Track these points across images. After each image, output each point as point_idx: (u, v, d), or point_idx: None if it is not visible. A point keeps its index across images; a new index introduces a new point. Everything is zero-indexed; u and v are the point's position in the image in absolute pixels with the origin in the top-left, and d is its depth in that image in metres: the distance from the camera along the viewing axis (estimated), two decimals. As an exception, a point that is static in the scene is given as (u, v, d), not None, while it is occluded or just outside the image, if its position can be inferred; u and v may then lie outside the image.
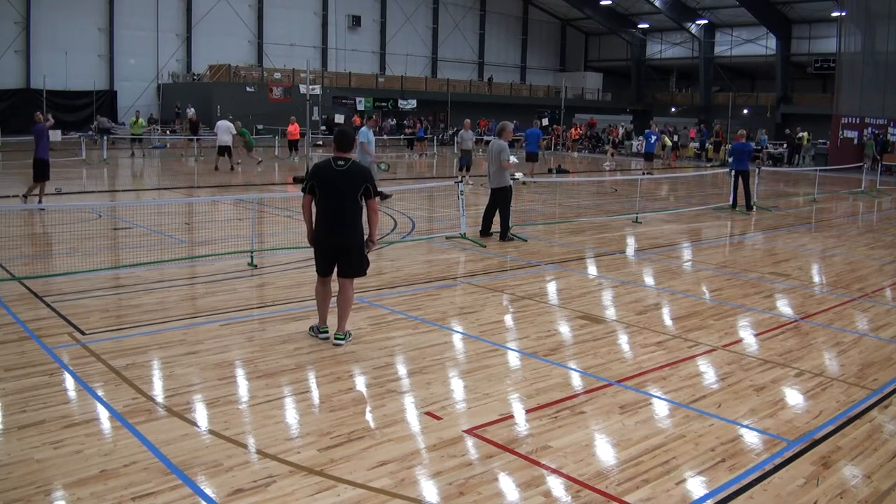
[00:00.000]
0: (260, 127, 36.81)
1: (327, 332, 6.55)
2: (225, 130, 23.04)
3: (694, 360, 6.38)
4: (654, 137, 26.46)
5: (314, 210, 6.45)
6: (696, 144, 37.86)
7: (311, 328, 6.70)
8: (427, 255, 10.71)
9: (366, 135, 15.24)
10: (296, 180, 19.44)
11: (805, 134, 36.16)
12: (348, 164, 6.33)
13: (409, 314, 7.50)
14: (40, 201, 13.43)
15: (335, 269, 6.48)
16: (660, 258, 11.06)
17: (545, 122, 40.77)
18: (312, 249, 6.57)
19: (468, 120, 22.80)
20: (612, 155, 33.35)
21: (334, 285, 6.62)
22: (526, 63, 61.01)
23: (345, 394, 5.38)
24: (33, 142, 13.88)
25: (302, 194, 6.48)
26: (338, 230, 6.31)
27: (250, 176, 21.76)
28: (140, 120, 31.48)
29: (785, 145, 36.46)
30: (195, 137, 31.02)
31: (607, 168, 29.91)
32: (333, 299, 6.69)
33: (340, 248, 6.35)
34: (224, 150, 23.07)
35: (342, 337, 6.47)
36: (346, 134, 6.55)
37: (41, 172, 13.68)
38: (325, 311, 6.61)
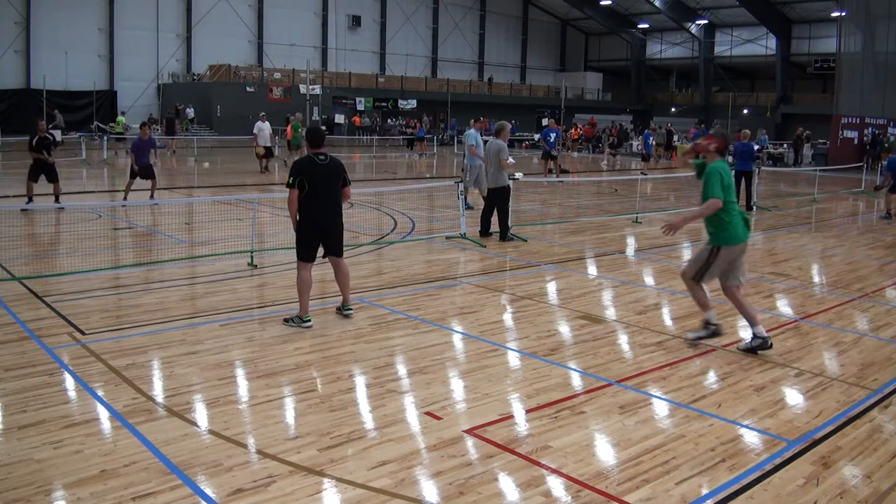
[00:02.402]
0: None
1: (310, 320, 6.89)
2: (266, 131, 23.00)
3: (694, 360, 6.37)
4: (652, 138, 26.64)
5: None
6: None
7: (293, 319, 6.92)
8: (427, 255, 10.71)
9: (474, 137, 15.04)
10: None
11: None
12: (328, 158, 6.93)
13: (409, 314, 7.50)
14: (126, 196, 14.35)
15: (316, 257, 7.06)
16: (660, 258, 11.06)
17: (545, 122, 40.83)
18: (296, 241, 7.02)
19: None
20: (614, 154, 33.39)
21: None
22: (526, 63, 61.00)
23: (345, 394, 5.38)
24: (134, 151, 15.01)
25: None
26: (330, 218, 6.96)
27: (249, 176, 21.73)
28: (120, 118, 31.54)
29: (785, 145, 36.50)
30: (173, 137, 31.13)
31: (605, 167, 29.96)
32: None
33: (332, 233, 7.02)
34: (269, 151, 23.11)
35: (350, 308, 7.24)
36: (318, 131, 7.16)
37: (143, 173, 14.93)
38: (307, 301, 6.96)
